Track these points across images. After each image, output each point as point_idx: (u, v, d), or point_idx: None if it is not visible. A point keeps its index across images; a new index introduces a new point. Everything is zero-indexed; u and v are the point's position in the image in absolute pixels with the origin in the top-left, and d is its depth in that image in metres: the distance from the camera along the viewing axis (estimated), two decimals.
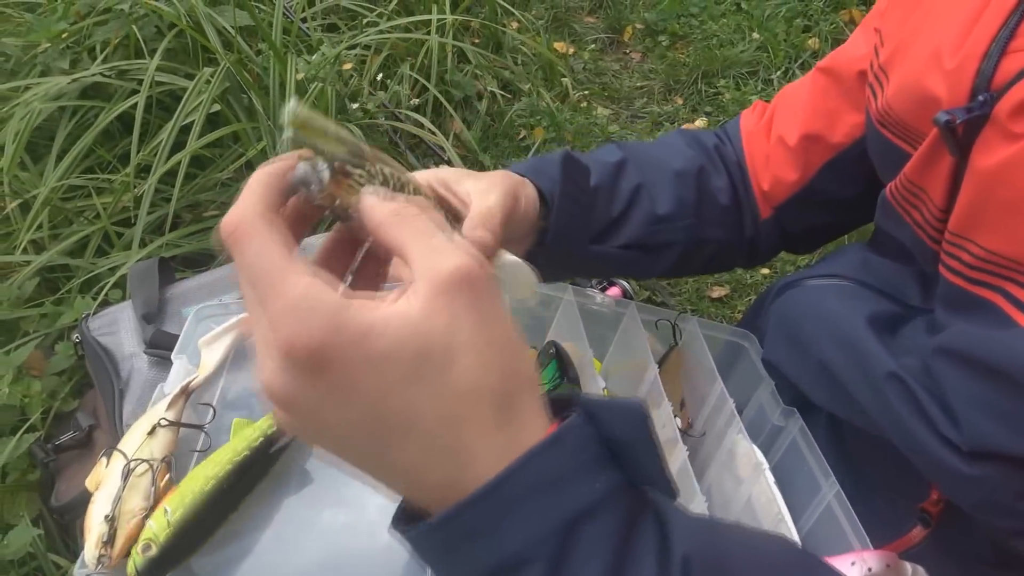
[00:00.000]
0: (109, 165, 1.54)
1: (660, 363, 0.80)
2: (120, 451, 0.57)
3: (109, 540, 0.51)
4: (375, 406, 0.32)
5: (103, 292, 1.35)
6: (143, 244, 1.40)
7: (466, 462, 0.32)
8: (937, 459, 0.54)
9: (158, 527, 0.52)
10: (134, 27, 1.54)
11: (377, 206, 0.36)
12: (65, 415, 1.27)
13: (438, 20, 2.17)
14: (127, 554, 0.52)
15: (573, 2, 3.12)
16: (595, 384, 0.74)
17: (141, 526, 0.52)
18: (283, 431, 0.35)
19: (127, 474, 0.55)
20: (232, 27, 1.68)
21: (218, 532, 0.55)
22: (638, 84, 2.70)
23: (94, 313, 1.25)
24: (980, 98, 0.52)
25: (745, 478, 0.72)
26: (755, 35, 2.73)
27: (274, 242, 0.34)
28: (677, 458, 0.68)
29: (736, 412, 0.74)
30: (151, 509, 0.53)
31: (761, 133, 0.80)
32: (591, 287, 0.81)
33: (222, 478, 0.55)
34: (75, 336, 1.24)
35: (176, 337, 1.16)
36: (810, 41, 2.67)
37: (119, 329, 1.23)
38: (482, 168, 2.08)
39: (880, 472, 0.71)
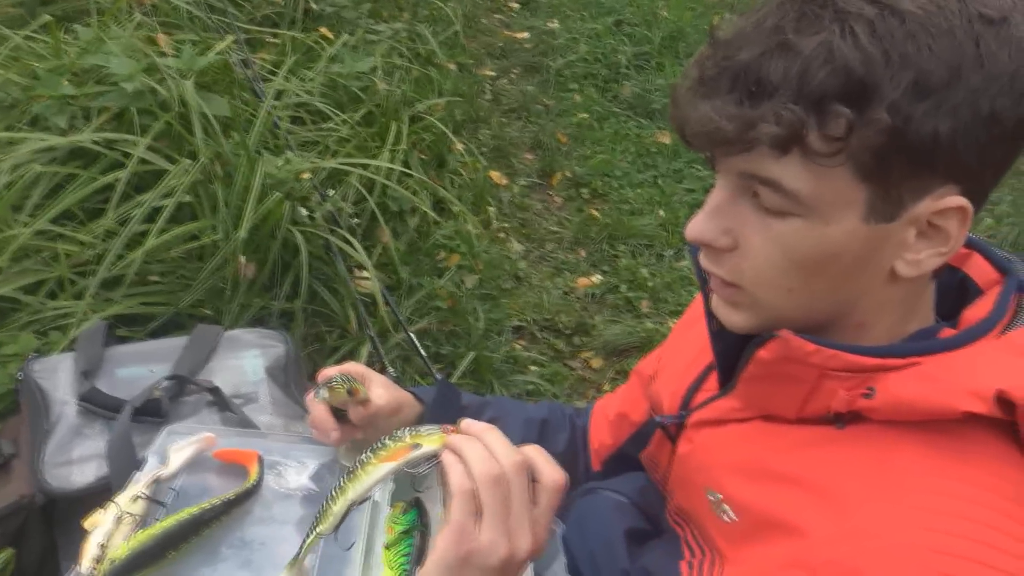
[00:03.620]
0: (76, 216, 1.75)
1: None
2: (115, 503, 0.86)
3: (99, 559, 0.79)
4: None
5: (47, 333, 1.54)
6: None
7: None
8: None
9: (120, 551, 0.81)
10: (132, 108, 1.77)
11: None
12: None
13: (392, 143, 2.46)
14: None
15: (517, 137, 3.49)
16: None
17: None
18: None
19: (118, 520, 0.84)
20: (216, 116, 1.93)
21: (161, 563, 0.83)
22: (553, 228, 3.05)
23: (38, 355, 1.44)
24: (681, 412, 0.86)
25: None
26: (661, 212, 3.14)
27: None
28: None
29: (535, 572, 1.02)
30: None
31: (602, 409, 1.14)
32: None
33: (166, 528, 0.83)
34: (19, 373, 1.42)
35: (107, 395, 1.39)
36: None
37: (57, 376, 1.42)
38: (398, 280, 2.36)
39: None
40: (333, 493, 0.77)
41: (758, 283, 0.67)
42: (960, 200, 0.61)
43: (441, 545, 0.67)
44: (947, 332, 0.68)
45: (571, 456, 1.13)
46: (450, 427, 0.75)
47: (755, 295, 0.68)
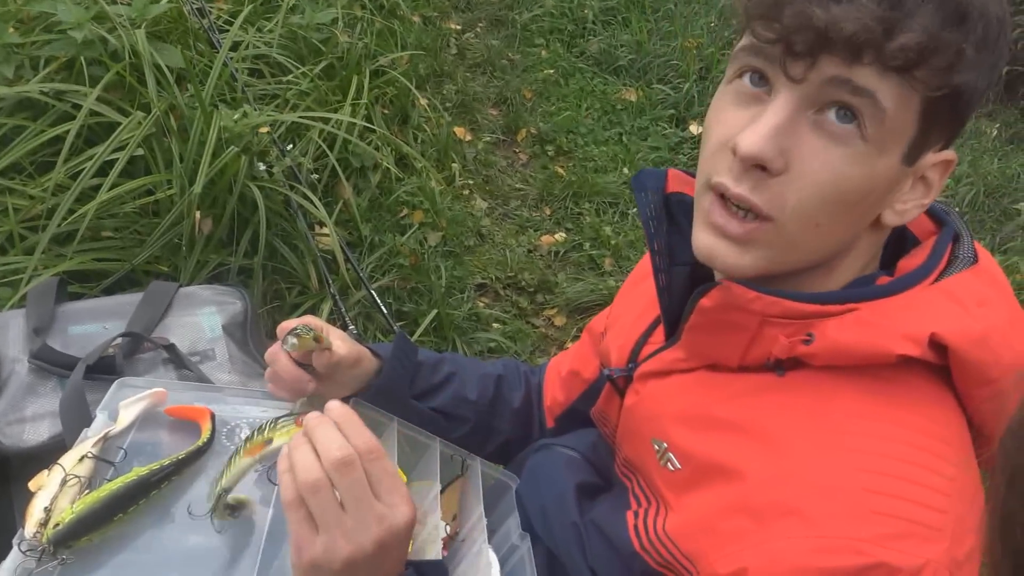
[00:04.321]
0: (24, 169, 1.70)
1: (447, 485, 1.09)
2: (61, 465, 0.83)
3: (44, 523, 0.77)
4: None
5: None
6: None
7: None
8: None
9: (65, 514, 0.78)
10: (81, 58, 1.72)
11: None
12: None
13: (354, 97, 2.42)
14: None
15: (482, 92, 3.45)
16: None
17: None
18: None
19: (63, 483, 0.81)
20: (169, 67, 1.88)
21: (108, 527, 0.81)
22: (517, 186, 3.04)
23: None
24: (629, 365, 0.87)
25: (481, 572, 1.01)
26: (626, 170, 3.13)
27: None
28: (435, 553, 0.97)
29: (487, 528, 1.04)
30: None
31: (555, 366, 1.14)
32: None
33: (113, 491, 0.81)
34: None
35: (59, 353, 1.36)
36: None
37: (8, 333, 1.39)
38: (360, 237, 2.34)
39: None
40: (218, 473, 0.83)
41: (797, 214, 0.63)
42: (952, 154, 0.64)
43: (290, 558, 0.69)
44: (883, 280, 0.70)
45: (526, 413, 1.15)
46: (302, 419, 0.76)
47: (785, 229, 0.64)
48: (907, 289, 0.67)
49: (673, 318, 0.80)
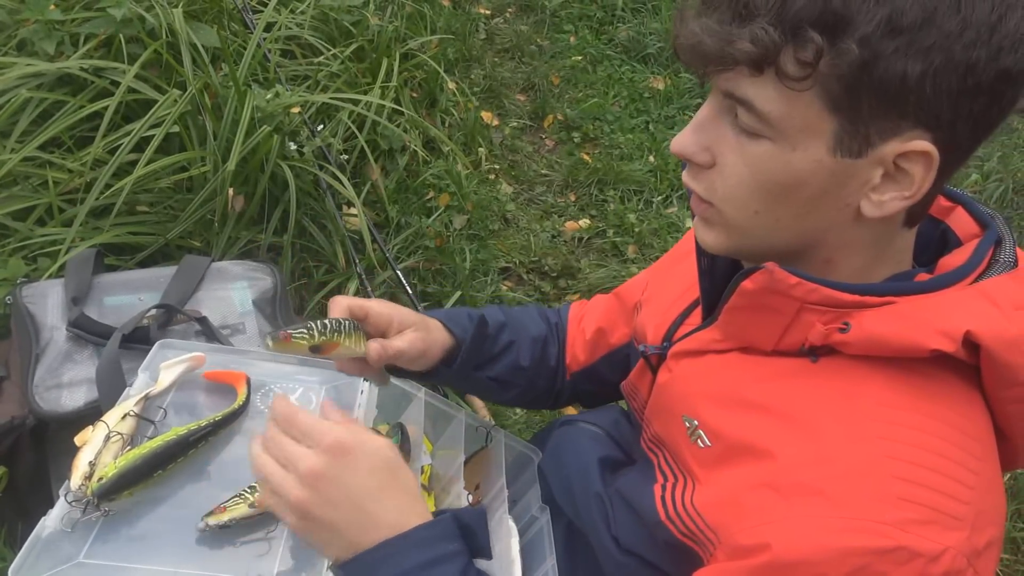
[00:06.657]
0: (64, 143, 1.75)
1: (472, 455, 1.12)
2: (105, 422, 0.88)
3: (88, 477, 0.82)
4: (366, 479, 0.71)
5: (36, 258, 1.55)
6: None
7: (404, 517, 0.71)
8: (605, 547, 0.88)
9: (109, 468, 0.83)
10: (120, 35, 1.75)
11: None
12: None
13: (383, 79, 2.44)
14: None
15: (510, 77, 3.46)
16: (423, 459, 1.06)
17: None
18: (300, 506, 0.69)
19: (107, 439, 0.85)
20: (204, 47, 1.91)
21: (148, 482, 0.86)
22: (542, 171, 3.05)
23: (27, 280, 1.46)
24: (664, 343, 0.89)
25: (501, 541, 1.04)
26: (651, 159, 3.14)
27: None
28: None
29: (508, 499, 1.06)
30: None
31: (577, 321, 1.16)
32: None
33: (154, 449, 0.86)
34: (8, 298, 1.44)
35: (96, 322, 1.41)
36: None
37: (47, 301, 1.44)
38: (386, 218, 2.38)
39: (587, 563, 1.04)
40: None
41: (728, 202, 0.70)
42: (925, 145, 0.63)
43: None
44: (923, 276, 0.72)
45: (557, 370, 1.15)
46: None
47: (725, 214, 0.71)
48: (946, 287, 0.69)
49: (712, 300, 0.82)
